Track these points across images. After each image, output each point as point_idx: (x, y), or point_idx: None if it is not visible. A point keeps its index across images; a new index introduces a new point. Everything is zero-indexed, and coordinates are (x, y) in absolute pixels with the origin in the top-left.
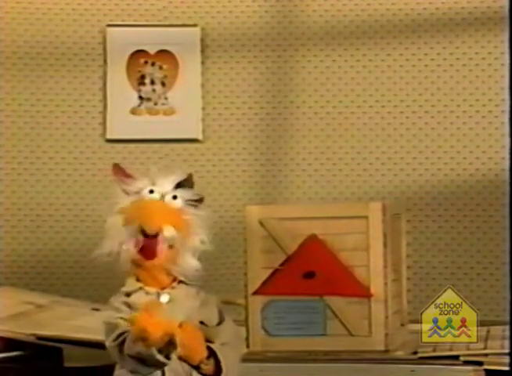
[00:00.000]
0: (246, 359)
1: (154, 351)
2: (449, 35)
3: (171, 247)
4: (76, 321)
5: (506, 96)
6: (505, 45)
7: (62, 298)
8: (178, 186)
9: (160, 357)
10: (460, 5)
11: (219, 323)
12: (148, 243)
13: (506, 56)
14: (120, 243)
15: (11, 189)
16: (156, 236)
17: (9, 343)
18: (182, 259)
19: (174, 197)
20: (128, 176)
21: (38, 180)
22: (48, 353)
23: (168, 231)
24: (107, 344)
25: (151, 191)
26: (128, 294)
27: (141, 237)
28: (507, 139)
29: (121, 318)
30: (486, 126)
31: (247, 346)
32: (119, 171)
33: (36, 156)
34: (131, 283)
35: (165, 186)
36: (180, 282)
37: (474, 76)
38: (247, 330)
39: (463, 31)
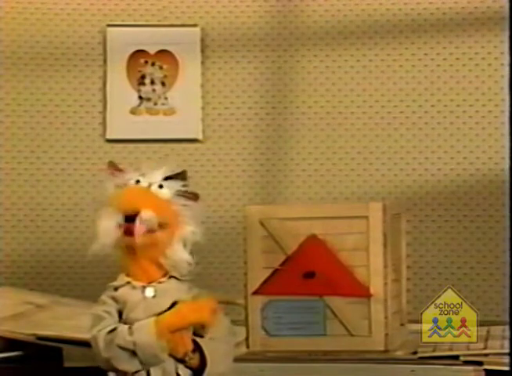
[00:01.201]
0: (246, 359)
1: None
2: (449, 35)
3: (151, 231)
4: (76, 321)
5: (506, 96)
6: (505, 45)
7: (62, 298)
8: (169, 178)
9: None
10: (460, 5)
11: None
12: (127, 225)
13: (506, 56)
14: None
15: (11, 189)
16: (134, 218)
17: (9, 343)
18: (172, 251)
19: (161, 186)
20: (121, 171)
21: (38, 180)
22: (48, 353)
23: (146, 213)
24: (93, 333)
25: (137, 181)
26: (116, 289)
27: (122, 222)
28: (507, 139)
29: (106, 311)
30: (486, 126)
31: (247, 346)
32: (113, 167)
33: (36, 156)
34: (120, 278)
35: (154, 177)
36: (171, 277)
37: (474, 76)
38: (247, 330)
39: (463, 31)
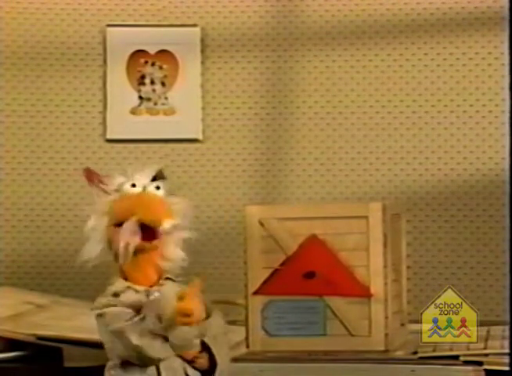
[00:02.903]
0: (246, 359)
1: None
2: (449, 35)
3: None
4: (76, 321)
5: (506, 96)
6: (505, 45)
7: (62, 298)
8: (154, 179)
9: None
10: (460, 5)
11: (207, 318)
12: (147, 233)
13: (506, 56)
14: (108, 243)
15: (11, 189)
16: (156, 228)
17: (9, 343)
18: (168, 250)
19: (158, 188)
20: (101, 177)
21: (38, 180)
22: (48, 353)
23: (168, 223)
24: (119, 325)
25: (133, 185)
26: (116, 295)
27: (139, 231)
28: (507, 139)
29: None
30: (486, 126)
31: (247, 346)
32: (92, 174)
33: (36, 156)
34: (118, 283)
35: (143, 179)
36: (166, 279)
37: (474, 76)
38: (247, 330)
39: (463, 31)
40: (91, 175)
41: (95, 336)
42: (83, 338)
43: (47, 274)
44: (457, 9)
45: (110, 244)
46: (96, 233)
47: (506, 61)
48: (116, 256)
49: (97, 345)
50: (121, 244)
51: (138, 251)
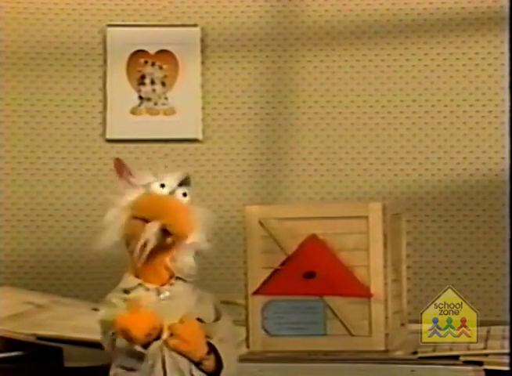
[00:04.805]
0: (246, 359)
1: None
2: (449, 35)
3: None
4: (76, 321)
5: (506, 96)
6: (505, 45)
7: (62, 298)
8: (180, 184)
9: (138, 348)
10: (460, 5)
11: (216, 320)
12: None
13: (506, 56)
14: (126, 236)
15: (11, 189)
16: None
17: (9, 343)
18: (181, 255)
19: (185, 195)
20: (131, 170)
21: (38, 180)
22: (48, 353)
23: (192, 238)
24: (104, 342)
25: (162, 185)
26: (126, 291)
27: (160, 235)
28: (507, 139)
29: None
30: (486, 126)
31: (247, 346)
32: (121, 165)
33: (36, 156)
34: (129, 280)
35: (172, 182)
36: (177, 278)
37: (474, 76)
38: (247, 330)
39: (463, 31)
40: (121, 167)
41: (95, 336)
42: (83, 337)
43: (47, 274)
44: (457, 9)
45: (127, 237)
46: (115, 225)
47: (506, 61)
48: (131, 251)
49: (97, 345)
50: (140, 241)
51: (154, 250)
